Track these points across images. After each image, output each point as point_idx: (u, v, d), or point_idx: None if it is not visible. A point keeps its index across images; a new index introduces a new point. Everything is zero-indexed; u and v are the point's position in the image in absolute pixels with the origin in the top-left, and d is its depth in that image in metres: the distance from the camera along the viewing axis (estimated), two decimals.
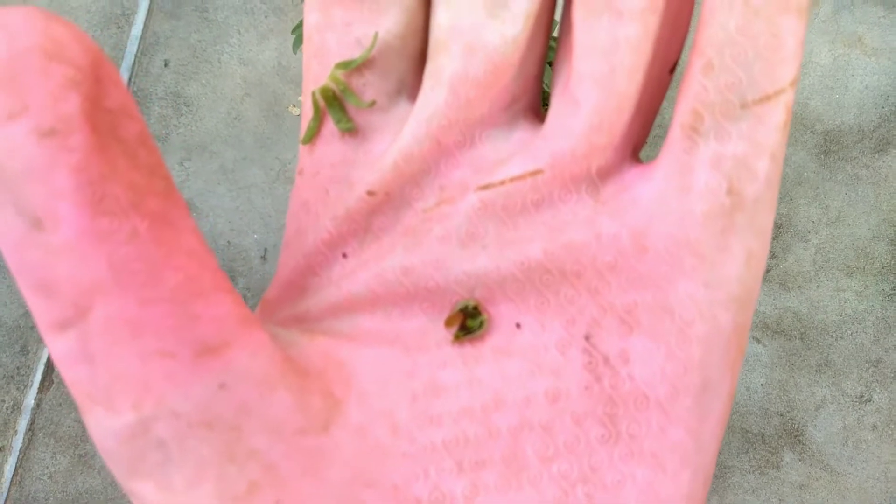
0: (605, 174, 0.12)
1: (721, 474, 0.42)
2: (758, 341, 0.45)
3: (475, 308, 0.12)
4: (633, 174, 0.12)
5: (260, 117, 0.44)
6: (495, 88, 0.11)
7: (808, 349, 0.44)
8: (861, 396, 0.44)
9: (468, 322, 0.11)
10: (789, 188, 0.47)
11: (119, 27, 0.48)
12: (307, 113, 0.12)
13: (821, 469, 0.42)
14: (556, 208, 0.12)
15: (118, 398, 0.09)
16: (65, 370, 0.09)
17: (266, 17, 0.45)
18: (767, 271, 0.44)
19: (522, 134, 0.12)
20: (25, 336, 0.41)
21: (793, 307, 0.46)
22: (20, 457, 0.40)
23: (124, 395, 0.09)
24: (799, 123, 0.49)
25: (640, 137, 0.12)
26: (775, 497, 0.42)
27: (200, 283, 0.10)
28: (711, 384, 0.11)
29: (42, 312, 0.09)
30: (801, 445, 0.43)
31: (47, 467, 0.40)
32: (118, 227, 0.09)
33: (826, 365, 0.45)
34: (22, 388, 0.41)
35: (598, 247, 0.11)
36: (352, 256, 0.12)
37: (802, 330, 0.45)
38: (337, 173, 0.13)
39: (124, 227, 0.09)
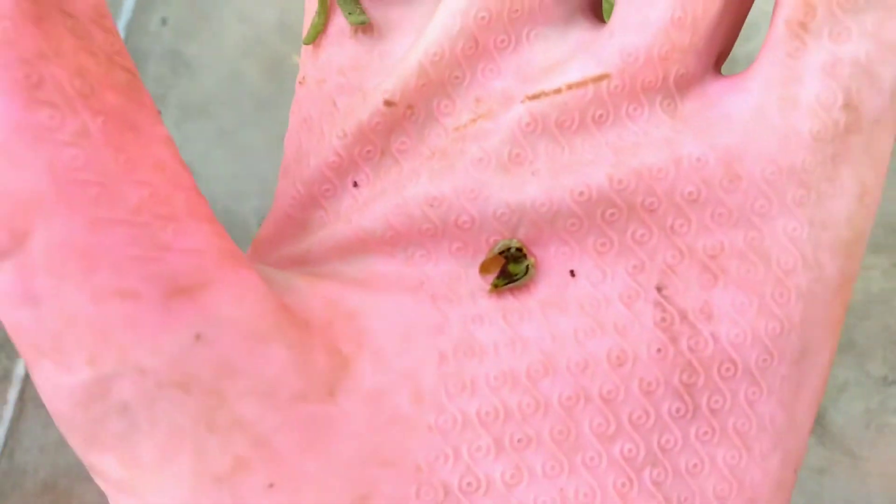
0: (686, 85, 0.10)
1: None
2: None
3: (519, 250, 0.10)
4: (719, 87, 0.10)
5: (260, 78, 0.42)
6: None
7: None
8: (885, 378, 0.43)
9: (510, 267, 0.10)
10: None
11: None
12: (311, 6, 0.10)
13: (841, 453, 0.41)
14: (623, 126, 0.09)
15: (70, 350, 0.07)
16: (4, 312, 0.07)
17: None
18: None
19: (580, 34, 0.10)
20: None
21: None
22: (10, 427, 0.39)
23: (77, 345, 0.07)
24: None
25: (727, 44, 0.10)
26: (795, 482, 0.40)
27: (171, 204, 0.08)
28: (812, 348, 0.09)
29: None
30: (821, 429, 0.42)
31: (38, 439, 0.38)
32: (61, 122, 0.07)
33: (850, 346, 0.43)
34: (12, 356, 0.39)
35: (678, 173, 0.09)
36: (365, 185, 0.10)
37: None
38: (347, 80, 0.10)
39: (70, 123, 0.07)
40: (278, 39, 0.43)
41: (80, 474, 0.39)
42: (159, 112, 0.09)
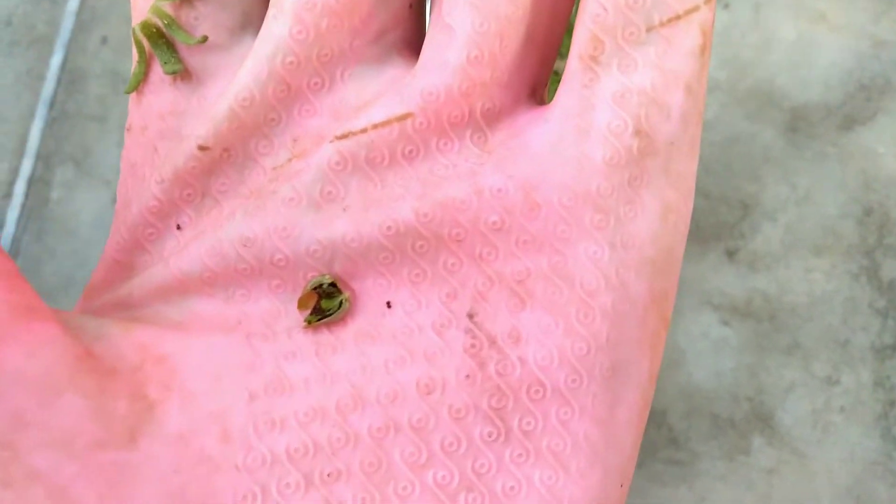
0: (494, 118, 0.10)
1: (690, 461, 0.42)
2: (726, 324, 0.44)
3: (332, 285, 0.10)
4: (527, 118, 0.10)
5: None
6: (354, 17, 0.09)
7: (778, 331, 0.44)
8: (829, 378, 0.43)
9: (323, 303, 0.10)
10: (757, 166, 0.46)
11: (54, 1, 0.45)
12: (135, 57, 0.10)
13: (789, 453, 0.42)
14: (434, 160, 0.10)
15: None
16: None
17: None
18: (735, 252, 0.43)
19: (395, 72, 0.10)
20: None
21: (761, 288, 0.45)
22: None
23: None
24: (766, 100, 0.48)
25: (540, 76, 0.10)
26: (744, 483, 0.41)
27: None
28: (623, 365, 0.09)
29: None
30: (770, 430, 0.42)
31: None
32: None
33: (795, 347, 0.44)
34: None
35: (481, 204, 0.09)
36: (187, 227, 0.10)
37: (771, 312, 0.44)
38: (168, 126, 0.10)
39: None
40: None
41: None
42: None
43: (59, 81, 0.47)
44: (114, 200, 0.48)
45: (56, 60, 0.44)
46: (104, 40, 0.43)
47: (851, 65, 0.47)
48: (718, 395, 0.42)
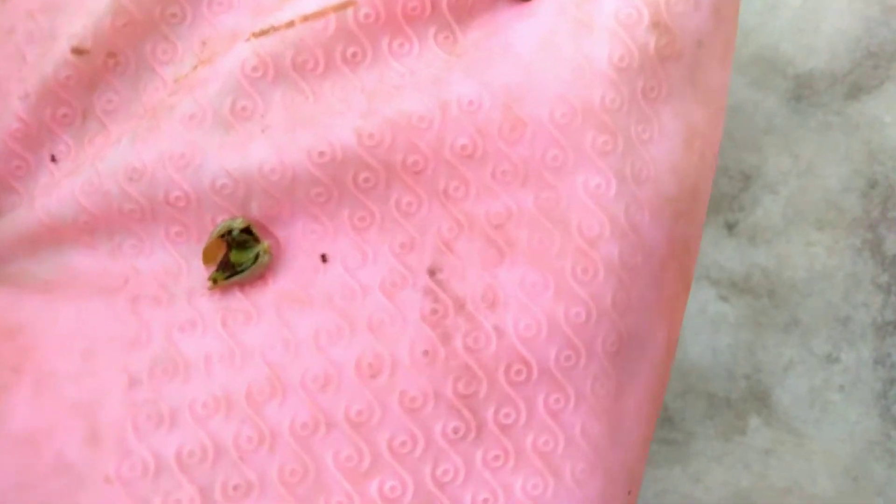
0: (465, 13, 0.08)
1: (685, 441, 0.41)
2: (724, 300, 0.42)
3: (246, 231, 0.08)
4: (509, 14, 0.08)
5: None
6: None
7: (776, 307, 0.42)
8: (829, 356, 0.42)
9: (233, 256, 0.08)
10: (759, 137, 0.45)
11: None
12: None
13: (786, 433, 0.41)
14: (385, 65, 0.07)
15: None
16: None
17: None
18: (734, 225, 0.42)
19: None
20: None
21: (761, 263, 0.44)
22: None
23: None
24: (770, 67, 0.46)
25: None
26: (740, 464, 0.40)
27: None
28: (635, 337, 0.07)
29: None
30: (767, 409, 0.41)
31: None
32: None
33: (794, 324, 0.43)
34: None
35: (446, 122, 0.07)
36: (65, 158, 0.08)
37: (770, 287, 0.43)
38: (37, 26, 0.08)
39: None
40: None
41: None
42: None
43: None
44: None
45: None
46: None
47: (859, 31, 0.45)
48: (715, 373, 0.41)
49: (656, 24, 0.07)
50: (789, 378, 0.41)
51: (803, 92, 0.46)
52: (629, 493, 0.08)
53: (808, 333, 0.41)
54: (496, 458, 0.08)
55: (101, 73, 0.08)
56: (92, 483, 0.07)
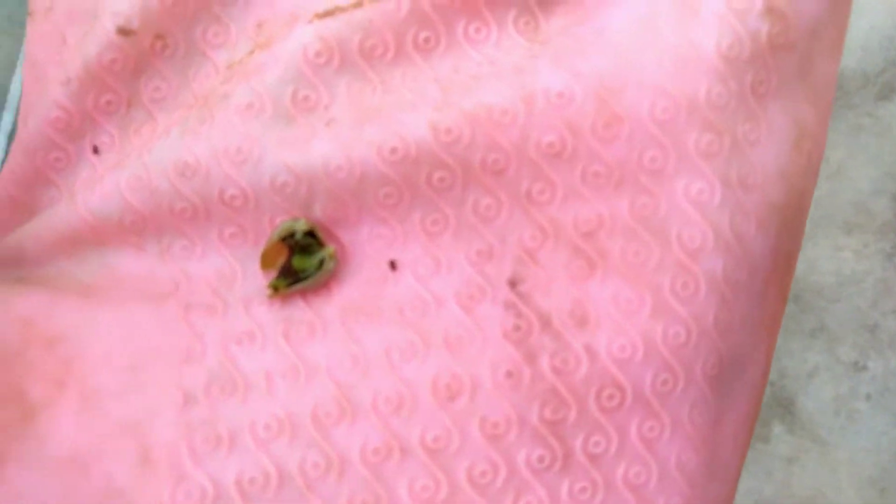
0: None
1: None
2: None
3: (310, 234, 0.07)
4: None
5: None
6: None
7: (803, 312, 0.41)
8: (856, 364, 0.41)
9: (295, 261, 0.07)
10: None
11: None
12: None
13: (811, 441, 0.40)
14: (461, 52, 0.06)
15: None
16: None
17: None
18: None
19: None
20: None
21: None
22: None
23: None
24: None
25: None
26: (763, 472, 0.39)
27: None
28: (736, 359, 0.06)
29: None
30: (791, 416, 0.40)
31: None
32: None
33: (820, 330, 0.42)
34: None
35: (532, 116, 0.06)
36: (108, 151, 0.07)
37: (797, 292, 0.42)
38: (79, 4, 0.08)
39: None
40: None
41: None
42: None
43: None
44: None
45: None
46: None
47: (893, 30, 0.44)
48: None
49: (770, 10, 0.06)
50: (814, 385, 0.40)
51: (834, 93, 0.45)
52: None
53: (834, 340, 0.40)
54: (583, 489, 0.07)
55: (148, 57, 0.07)
56: None
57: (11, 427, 0.06)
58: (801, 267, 0.42)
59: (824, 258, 0.42)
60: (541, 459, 0.07)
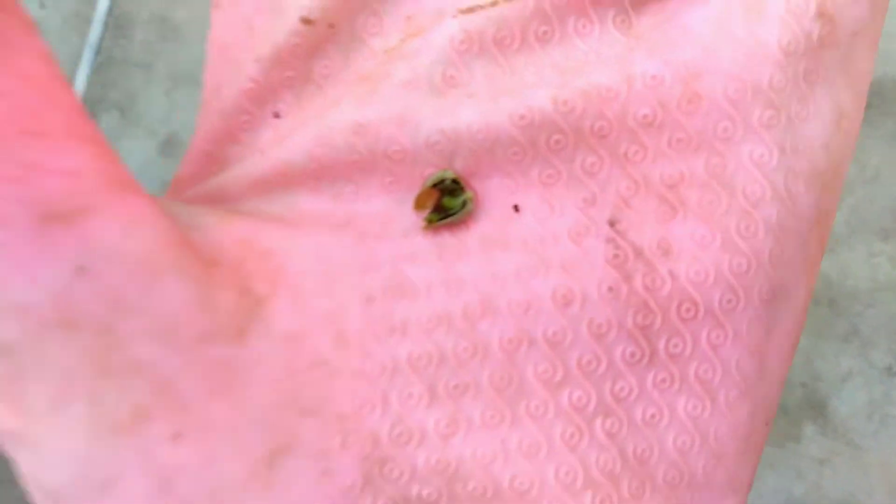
0: (642, 0, 0.09)
1: None
2: None
3: (455, 182, 0.09)
4: (681, 2, 0.09)
5: None
6: None
7: (837, 316, 0.42)
8: (889, 369, 0.41)
9: (445, 201, 0.09)
10: None
11: None
12: None
13: (843, 444, 0.40)
14: (570, 44, 0.08)
15: None
16: None
17: None
18: None
19: None
20: None
21: (823, 271, 0.43)
22: None
23: None
24: None
25: None
26: (793, 471, 0.39)
27: (43, 120, 0.07)
28: (783, 288, 0.08)
29: None
30: (823, 418, 0.41)
31: None
32: None
33: (854, 334, 0.42)
34: None
35: (631, 94, 0.08)
36: (286, 115, 0.09)
37: (832, 296, 0.42)
38: (266, 1, 0.09)
39: None
40: None
41: None
42: (34, 24, 0.08)
43: (105, 26, 0.47)
44: (159, 150, 0.47)
45: (103, 4, 0.43)
46: None
47: None
48: None
49: (821, 14, 0.08)
50: (847, 388, 0.40)
51: (872, 99, 0.45)
52: (766, 423, 0.09)
53: (868, 345, 0.40)
54: (664, 381, 0.08)
55: (321, 42, 0.09)
56: (343, 376, 0.08)
57: (249, 310, 0.08)
58: (835, 271, 0.42)
59: (859, 263, 0.42)
60: (633, 355, 0.08)
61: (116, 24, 0.43)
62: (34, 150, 0.07)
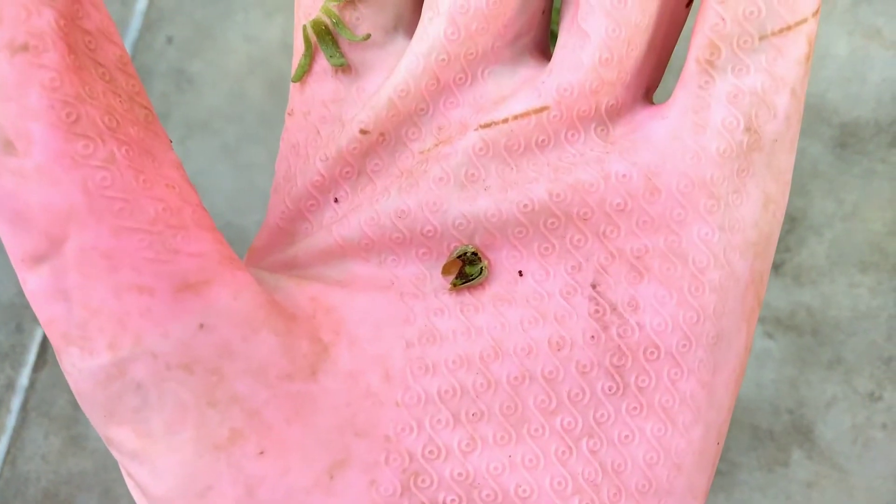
0: (616, 113, 0.11)
1: (729, 471, 0.41)
2: (769, 336, 0.44)
3: (474, 254, 0.11)
4: (645, 114, 0.11)
5: (264, 95, 0.43)
6: (499, 21, 0.11)
7: (820, 345, 0.43)
8: (872, 394, 0.43)
9: (467, 269, 0.11)
10: (805, 180, 0.46)
11: (123, 2, 0.47)
12: (298, 49, 0.12)
13: (829, 467, 0.42)
14: (562, 149, 0.11)
15: (94, 337, 0.08)
16: (39, 308, 0.08)
17: None
18: (780, 265, 0.43)
19: (528, 72, 0.11)
20: (20, 314, 0.40)
21: (805, 302, 0.45)
22: (13, 436, 0.39)
23: (100, 333, 0.08)
24: (815, 115, 0.48)
25: (654, 78, 0.11)
26: (783, 495, 0.41)
27: (181, 216, 0.09)
28: (726, 334, 0.11)
29: (15, 245, 0.08)
30: (809, 443, 0.42)
31: (40, 447, 0.39)
32: (93, 150, 0.08)
33: (837, 362, 0.44)
34: (16, 366, 0.40)
35: (607, 187, 0.10)
36: (344, 201, 0.12)
37: (814, 326, 0.44)
38: (329, 112, 0.12)
39: (100, 151, 0.08)
40: (282, 58, 0.44)
41: (81, 483, 0.39)
42: (171, 141, 0.10)
43: None
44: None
45: None
46: (169, 40, 0.44)
47: None
48: (759, 407, 0.42)
49: (748, 129, 0.10)
50: (832, 414, 0.42)
51: (848, 140, 0.47)
52: (717, 443, 0.11)
53: (851, 371, 0.42)
54: (634, 408, 0.11)
55: (373, 146, 0.11)
56: (388, 405, 0.10)
57: (320, 354, 0.10)
58: (818, 303, 0.44)
59: (841, 294, 0.44)
60: (610, 388, 0.11)
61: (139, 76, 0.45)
62: (175, 239, 0.09)
